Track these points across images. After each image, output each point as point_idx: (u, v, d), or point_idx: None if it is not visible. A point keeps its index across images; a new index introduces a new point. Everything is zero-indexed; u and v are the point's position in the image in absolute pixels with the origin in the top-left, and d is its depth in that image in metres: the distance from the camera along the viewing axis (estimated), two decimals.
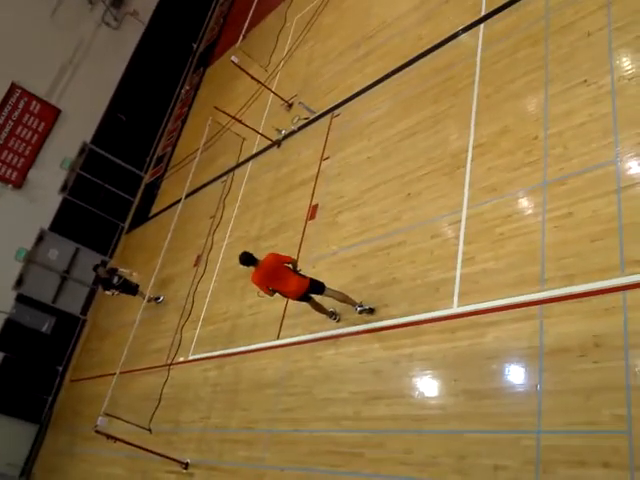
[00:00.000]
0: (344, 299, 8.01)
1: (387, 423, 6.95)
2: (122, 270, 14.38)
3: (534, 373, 5.75)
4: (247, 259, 7.81)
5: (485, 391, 6.12)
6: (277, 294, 8.03)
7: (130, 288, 14.23)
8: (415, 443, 6.48)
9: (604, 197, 5.98)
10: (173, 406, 11.11)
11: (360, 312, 7.92)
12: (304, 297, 7.96)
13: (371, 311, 7.89)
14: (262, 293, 8.04)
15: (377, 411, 7.16)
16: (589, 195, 6.11)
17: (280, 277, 7.78)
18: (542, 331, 5.83)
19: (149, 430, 10.57)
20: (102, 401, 11.05)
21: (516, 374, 5.97)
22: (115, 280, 14.01)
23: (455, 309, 6.87)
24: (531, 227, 6.51)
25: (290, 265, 7.96)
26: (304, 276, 7.93)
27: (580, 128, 6.59)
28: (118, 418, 10.75)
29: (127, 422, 10.80)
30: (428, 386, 6.83)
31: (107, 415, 10.39)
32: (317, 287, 7.86)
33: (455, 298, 6.94)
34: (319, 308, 8.33)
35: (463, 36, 9.39)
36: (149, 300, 14.00)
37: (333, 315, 8.42)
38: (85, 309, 19.14)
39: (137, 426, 10.75)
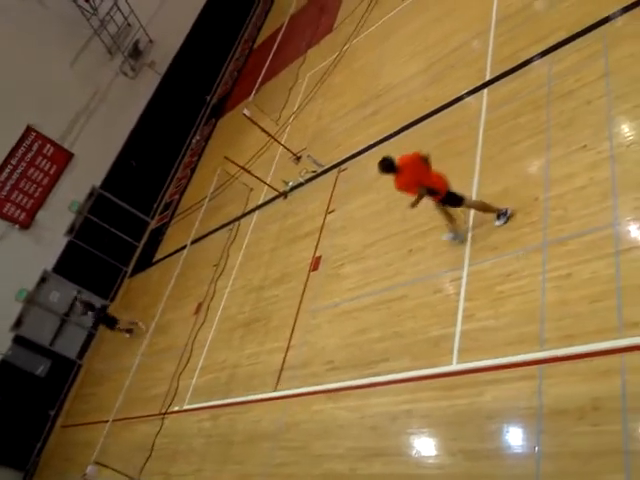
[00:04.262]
0: (484, 208, 7.53)
1: None
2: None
3: (533, 435, 5.68)
4: (389, 165, 6.93)
5: (483, 451, 6.03)
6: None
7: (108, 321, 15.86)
8: None
9: (603, 259, 6.05)
10: (165, 457, 10.89)
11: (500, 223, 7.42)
12: (452, 194, 7.19)
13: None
14: (411, 200, 7.08)
15: (373, 469, 7.03)
16: (588, 257, 6.18)
17: (426, 171, 7.05)
18: (541, 392, 5.80)
19: None
20: (93, 448, 10.91)
21: (514, 435, 5.90)
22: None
23: (454, 366, 6.85)
24: (531, 286, 6.56)
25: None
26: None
27: (580, 191, 6.73)
28: (108, 467, 10.54)
29: (117, 472, 10.58)
30: (426, 444, 6.73)
31: (97, 463, 10.22)
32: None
33: (455, 355, 6.92)
34: (450, 218, 7.69)
35: (468, 99, 9.68)
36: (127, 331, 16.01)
37: (454, 236, 7.84)
38: (82, 353, 18.95)
39: (127, 476, 10.54)
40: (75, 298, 16.45)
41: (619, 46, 7.54)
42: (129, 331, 16.20)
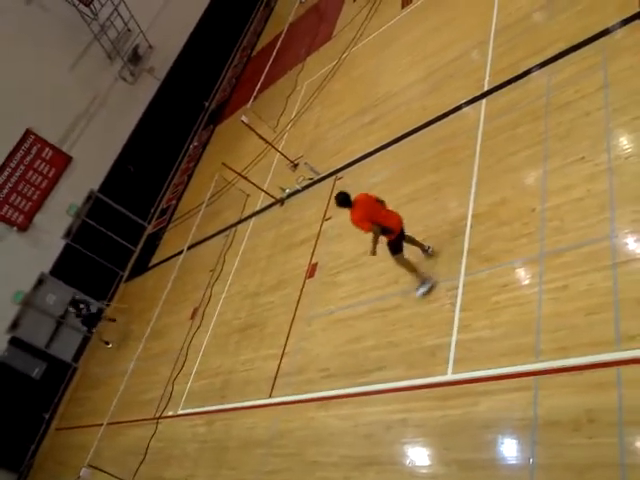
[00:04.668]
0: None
1: None
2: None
3: (527, 445, 5.67)
4: (345, 199, 7.41)
5: (477, 461, 6.02)
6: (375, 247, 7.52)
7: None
8: None
9: (600, 271, 6.05)
10: (158, 461, 10.87)
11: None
12: (400, 240, 7.58)
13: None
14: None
15: (367, 478, 7.01)
16: (585, 269, 6.18)
17: (379, 210, 7.49)
18: (536, 403, 5.79)
19: None
20: (87, 452, 10.84)
21: (509, 446, 5.88)
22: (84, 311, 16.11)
23: (450, 376, 6.83)
24: (527, 297, 6.56)
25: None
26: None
27: (577, 203, 6.74)
28: (102, 471, 10.50)
29: (111, 475, 10.54)
30: (419, 454, 6.71)
31: (91, 467, 10.18)
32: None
33: (450, 365, 6.91)
34: (412, 267, 7.90)
35: (466, 109, 9.71)
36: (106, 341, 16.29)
37: (425, 283, 7.90)
38: (77, 356, 18.94)
39: None
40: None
41: (618, 58, 7.57)
42: (107, 342, 16.52)
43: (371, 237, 7.33)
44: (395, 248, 7.61)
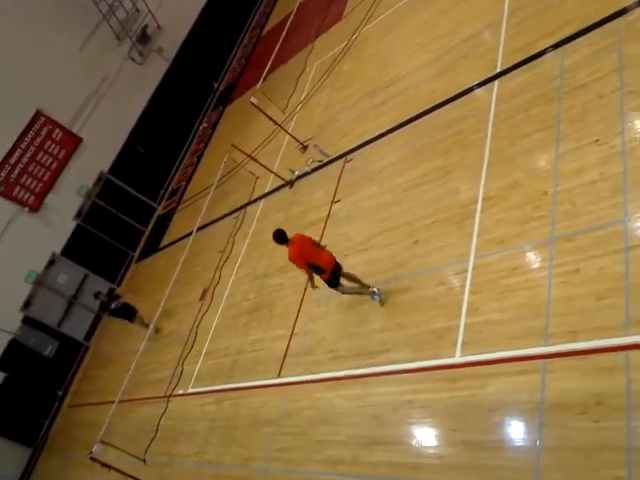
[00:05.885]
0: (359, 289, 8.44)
1: (384, 470, 6.87)
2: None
3: (534, 428, 5.70)
4: (281, 236, 7.97)
5: (484, 443, 6.06)
6: (314, 281, 8.30)
7: (126, 313, 15.04)
8: None
9: (611, 255, 6.02)
10: (169, 438, 11.03)
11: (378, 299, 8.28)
12: (335, 276, 8.14)
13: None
14: (304, 275, 8.41)
15: (374, 457, 7.09)
16: (596, 253, 6.15)
17: (313, 251, 8.07)
18: (544, 386, 5.81)
19: (143, 461, 10.51)
20: (99, 428, 11.04)
21: (516, 428, 5.92)
22: (113, 305, 14.97)
23: (458, 358, 6.85)
24: (537, 281, 6.54)
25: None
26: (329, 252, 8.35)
27: (589, 186, 6.68)
28: (114, 446, 10.68)
29: (122, 451, 10.72)
30: (427, 434, 6.77)
31: (103, 442, 10.36)
32: (338, 265, 8.26)
33: (458, 347, 6.93)
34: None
35: (478, 91, 9.61)
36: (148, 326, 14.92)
37: (375, 294, 8.32)
38: (89, 335, 19.19)
39: (132, 456, 10.68)
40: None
41: (633, 40, 7.44)
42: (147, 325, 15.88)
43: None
44: (333, 283, 8.25)
